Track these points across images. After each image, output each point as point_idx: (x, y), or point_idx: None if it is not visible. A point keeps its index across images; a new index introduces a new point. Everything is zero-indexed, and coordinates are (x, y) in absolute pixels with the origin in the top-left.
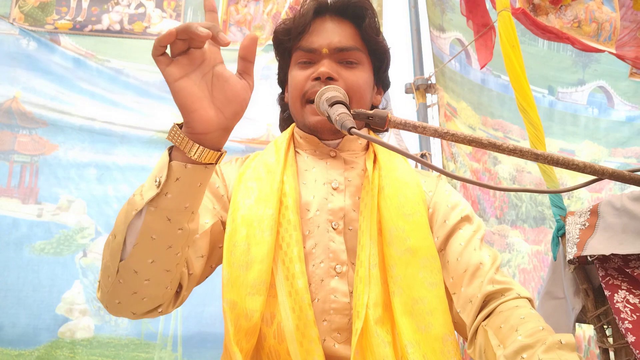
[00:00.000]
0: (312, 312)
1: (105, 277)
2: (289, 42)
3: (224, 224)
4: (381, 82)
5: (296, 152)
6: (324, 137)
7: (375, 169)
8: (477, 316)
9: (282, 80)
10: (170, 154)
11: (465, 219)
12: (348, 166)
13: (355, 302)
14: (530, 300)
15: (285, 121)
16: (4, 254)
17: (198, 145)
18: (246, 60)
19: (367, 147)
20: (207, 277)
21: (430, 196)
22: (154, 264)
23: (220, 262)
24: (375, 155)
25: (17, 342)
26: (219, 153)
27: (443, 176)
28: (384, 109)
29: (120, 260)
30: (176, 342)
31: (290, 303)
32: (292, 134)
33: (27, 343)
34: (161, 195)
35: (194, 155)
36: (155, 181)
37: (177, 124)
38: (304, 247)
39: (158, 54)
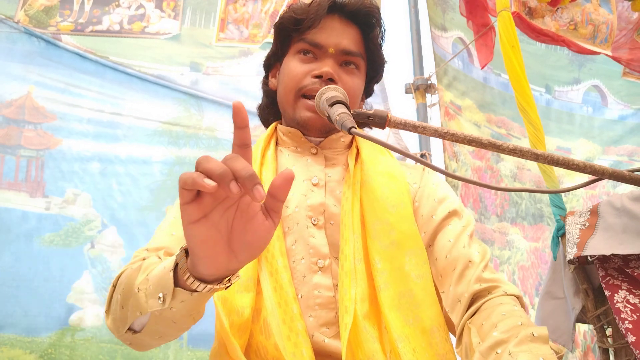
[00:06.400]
0: (298, 305)
1: (115, 327)
2: (294, 31)
3: None
4: (366, 91)
5: (278, 149)
6: (310, 134)
7: (357, 163)
8: (464, 315)
9: (272, 64)
10: (175, 270)
11: (454, 213)
12: (329, 163)
13: (342, 296)
14: (518, 298)
15: (267, 108)
16: (15, 245)
17: (205, 285)
18: (276, 199)
19: (349, 145)
20: None
21: (416, 188)
22: (161, 338)
23: None
24: (358, 151)
25: (31, 329)
26: (229, 282)
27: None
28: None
29: (128, 329)
30: None
31: (276, 298)
32: (274, 131)
33: (40, 331)
34: (165, 309)
35: (201, 291)
36: (159, 298)
37: (184, 250)
38: (285, 243)
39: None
